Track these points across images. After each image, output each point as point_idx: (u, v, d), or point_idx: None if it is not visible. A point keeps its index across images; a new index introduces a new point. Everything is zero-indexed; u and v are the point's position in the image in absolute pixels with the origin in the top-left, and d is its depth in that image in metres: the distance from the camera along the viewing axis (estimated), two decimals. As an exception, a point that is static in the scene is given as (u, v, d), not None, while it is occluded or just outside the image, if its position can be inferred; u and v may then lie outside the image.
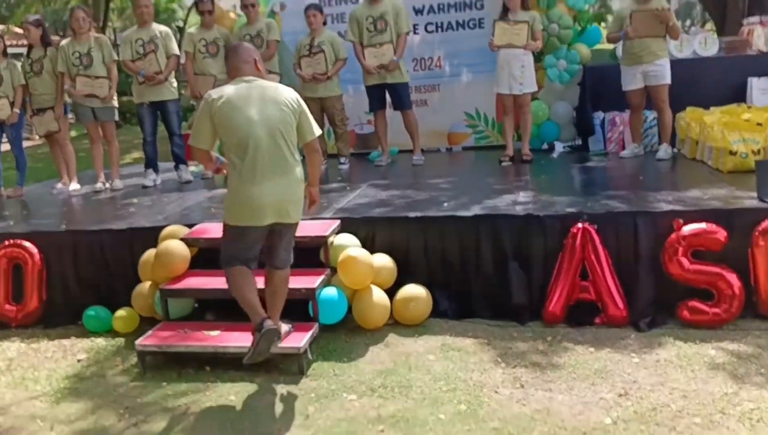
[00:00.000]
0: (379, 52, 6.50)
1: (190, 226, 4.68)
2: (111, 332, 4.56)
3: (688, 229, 4.05)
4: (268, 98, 3.47)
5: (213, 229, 4.60)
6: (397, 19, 6.48)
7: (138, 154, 11.17)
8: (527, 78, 6.26)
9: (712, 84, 6.53)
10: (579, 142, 7.09)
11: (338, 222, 4.49)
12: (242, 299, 3.56)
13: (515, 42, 6.14)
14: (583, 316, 4.18)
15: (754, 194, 4.29)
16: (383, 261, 4.33)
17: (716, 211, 4.12)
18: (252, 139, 3.38)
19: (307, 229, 4.34)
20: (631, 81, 6.01)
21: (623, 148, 6.59)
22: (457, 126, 7.64)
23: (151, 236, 4.65)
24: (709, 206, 4.21)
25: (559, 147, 7.11)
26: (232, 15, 7.40)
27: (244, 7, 6.68)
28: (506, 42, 6.17)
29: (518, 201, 4.72)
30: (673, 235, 4.07)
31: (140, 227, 4.83)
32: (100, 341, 4.48)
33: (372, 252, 4.33)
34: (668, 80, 5.90)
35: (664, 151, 6.02)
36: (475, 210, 4.51)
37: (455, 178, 5.80)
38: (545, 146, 7.15)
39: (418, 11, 7.40)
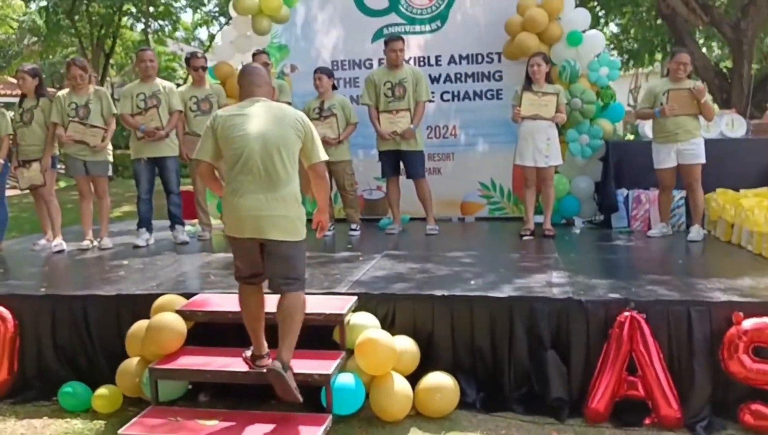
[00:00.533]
0: (395, 119, 6.19)
1: (186, 295, 4.19)
2: (89, 412, 3.99)
3: (750, 323, 3.62)
4: (272, 115, 3.46)
5: (213, 301, 4.11)
6: (417, 87, 6.22)
7: (129, 207, 10.72)
8: (553, 151, 5.96)
9: (739, 166, 6.27)
10: (600, 218, 6.75)
11: (355, 298, 4.02)
12: (244, 321, 3.60)
13: (543, 114, 5.91)
14: (630, 415, 3.69)
15: (816, 285, 3.89)
16: (405, 344, 3.85)
17: (779, 305, 3.71)
18: (246, 152, 3.38)
19: (321, 305, 3.87)
20: (665, 159, 5.72)
21: (648, 226, 6.26)
22: (470, 196, 7.29)
23: (142, 305, 4.15)
24: (769, 297, 3.80)
25: (578, 222, 6.76)
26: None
27: (264, 64, 6.37)
28: (533, 113, 5.92)
29: (552, 282, 4.28)
30: (733, 330, 3.63)
31: (130, 294, 4.33)
32: (77, 423, 3.90)
33: (392, 334, 3.85)
34: (703, 160, 5.61)
35: (697, 232, 5.67)
36: (507, 290, 4.06)
37: (476, 252, 5.38)
38: (563, 221, 6.79)
39: (434, 80, 7.15)
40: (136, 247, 6.07)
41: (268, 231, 3.43)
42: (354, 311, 3.95)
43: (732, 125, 6.43)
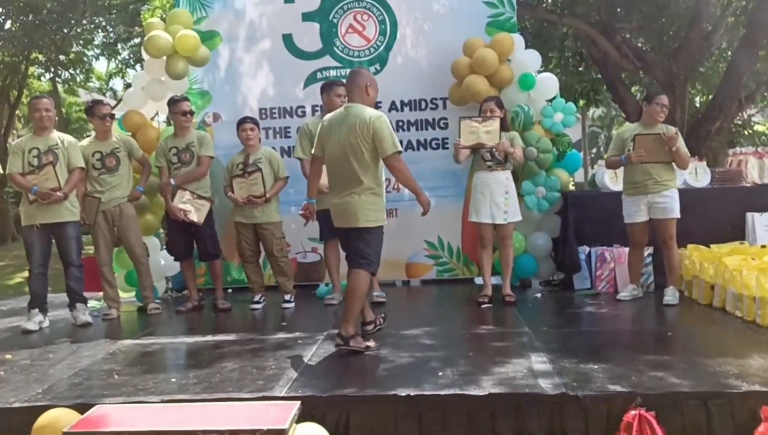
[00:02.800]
0: None
1: (80, 407, 3.23)
2: None
3: (780, 418, 3.00)
4: (347, 123, 4.06)
5: (113, 417, 3.17)
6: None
7: (20, 278, 9.47)
8: (512, 206, 5.34)
9: (706, 218, 5.82)
10: (560, 277, 6.17)
11: (297, 405, 3.16)
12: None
13: (486, 141, 5.25)
14: None
15: (840, 365, 3.34)
16: (365, 464, 3.03)
17: (810, 394, 3.11)
18: (330, 159, 4.17)
19: (256, 417, 3.00)
20: (635, 213, 5.20)
21: (615, 288, 5.71)
22: (416, 256, 6.57)
23: (20, 423, 3.18)
24: (797, 385, 3.20)
25: (537, 285, 6.17)
26: (155, 125, 6.23)
27: (173, 114, 5.53)
28: (474, 141, 5.28)
29: (535, 369, 3.57)
30: (763, 429, 3.00)
31: (4, 408, 3.33)
32: None
33: (347, 448, 3.04)
34: (677, 214, 5.11)
35: (672, 294, 5.14)
36: (487, 385, 3.32)
37: (435, 328, 4.64)
38: (518, 283, 6.16)
39: (374, 128, 6.46)
40: (27, 332, 5.03)
41: (350, 221, 4.14)
42: (298, 421, 3.10)
43: (696, 174, 6.02)
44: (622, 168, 5.39)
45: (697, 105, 15.08)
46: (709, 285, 4.99)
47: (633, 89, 13.42)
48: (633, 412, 3.07)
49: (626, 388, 3.22)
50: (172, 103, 5.51)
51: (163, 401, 3.23)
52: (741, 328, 4.31)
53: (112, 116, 5.53)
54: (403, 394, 3.23)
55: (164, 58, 5.88)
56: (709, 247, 5.53)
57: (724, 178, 6.04)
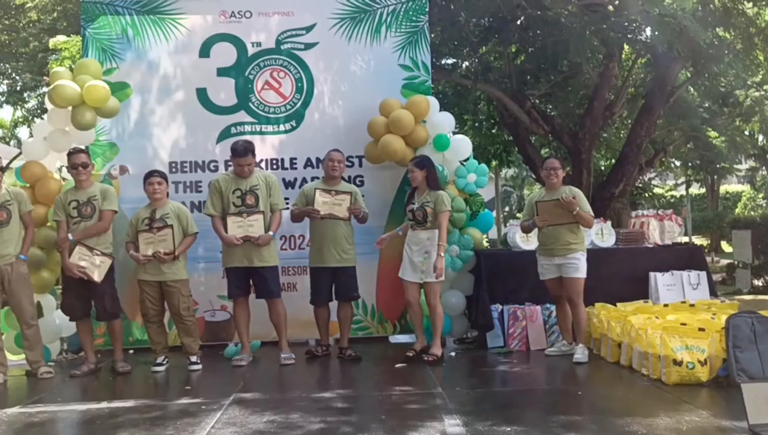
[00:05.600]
0: (247, 222, 5.33)
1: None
2: None
3: (687, 478, 3.03)
4: None
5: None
6: (272, 194, 5.51)
7: None
8: (430, 266, 5.34)
9: (612, 277, 6.01)
10: (473, 335, 6.18)
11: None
12: None
13: (337, 213, 5.53)
14: None
15: (741, 424, 3.42)
16: None
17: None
18: None
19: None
20: (547, 271, 5.39)
21: (527, 346, 5.76)
22: (330, 314, 6.41)
23: None
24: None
25: (450, 342, 6.14)
26: (56, 177, 5.91)
27: (72, 167, 5.26)
28: (328, 211, 5.52)
29: (449, 432, 3.50)
30: (670, 488, 3.02)
31: None
32: None
33: None
34: (583, 274, 5.27)
35: (582, 352, 5.23)
36: (400, 453, 3.21)
37: (347, 391, 4.53)
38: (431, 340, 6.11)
39: (289, 184, 6.38)
40: None
41: None
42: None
43: (602, 234, 6.23)
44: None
45: (602, 168, 15.87)
46: (616, 343, 5.10)
47: (543, 151, 13.96)
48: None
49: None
50: (68, 155, 5.26)
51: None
52: (647, 387, 4.40)
53: (3, 169, 5.22)
54: (312, 466, 3.07)
55: (70, 108, 5.61)
56: (615, 305, 5.68)
57: (628, 239, 6.28)
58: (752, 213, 21.50)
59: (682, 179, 26.36)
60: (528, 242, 6.20)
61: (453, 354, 5.75)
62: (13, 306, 5.14)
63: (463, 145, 6.35)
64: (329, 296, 5.65)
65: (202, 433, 3.57)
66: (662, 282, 5.94)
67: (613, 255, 6.18)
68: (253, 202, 5.37)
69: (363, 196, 6.08)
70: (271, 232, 5.41)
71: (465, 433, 3.47)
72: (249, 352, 5.57)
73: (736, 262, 12.04)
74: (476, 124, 15.48)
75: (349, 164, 6.46)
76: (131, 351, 6.04)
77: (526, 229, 5.65)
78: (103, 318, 5.35)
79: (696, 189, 28.75)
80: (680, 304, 5.58)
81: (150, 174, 5.39)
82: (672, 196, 26.89)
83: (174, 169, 6.27)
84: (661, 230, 6.34)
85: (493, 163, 16.68)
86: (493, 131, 15.15)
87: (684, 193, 26.61)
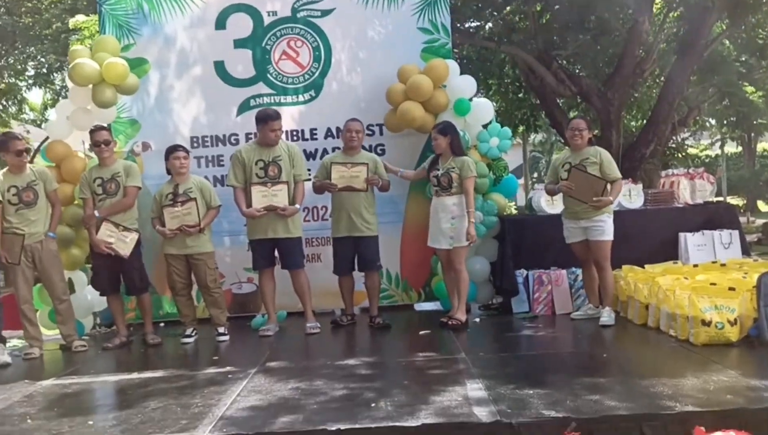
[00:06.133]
0: (271, 192, 5.34)
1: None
2: None
3: (714, 439, 2.99)
4: None
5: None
6: (294, 164, 5.49)
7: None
8: (459, 231, 5.30)
9: (640, 239, 5.91)
10: (498, 302, 6.15)
11: (222, 446, 3.01)
12: None
13: (355, 184, 5.46)
14: None
15: (770, 382, 3.36)
16: (293, 505, 2.88)
17: (741, 412, 3.11)
18: None
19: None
20: (573, 234, 5.32)
21: (552, 310, 5.72)
22: (354, 284, 6.44)
23: None
24: (728, 404, 3.19)
25: (475, 309, 6.12)
26: (81, 155, 5.98)
27: (95, 145, 5.31)
28: (345, 184, 5.46)
29: (470, 396, 3.49)
30: (695, 448, 2.98)
31: None
32: None
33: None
34: (610, 236, 5.18)
35: (608, 315, 5.17)
36: (421, 415, 3.22)
37: (372, 358, 4.54)
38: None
39: (309, 155, 6.35)
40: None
41: None
42: (221, 465, 2.94)
43: (630, 196, 6.11)
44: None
45: (633, 129, 15.52)
46: (643, 305, 5.03)
47: (571, 114, 13.67)
48: (568, 438, 3.01)
49: (561, 412, 3.16)
50: (90, 133, 5.31)
51: (75, 448, 3.01)
52: (675, 348, 4.33)
53: (28, 151, 5.31)
54: (333, 429, 3.10)
55: (90, 86, 5.66)
56: (643, 267, 5.59)
57: (657, 200, 6.15)
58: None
59: (718, 137, 25.74)
60: (553, 206, 6.11)
61: (477, 320, 5.74)
62: (45, 282, 5.26)
63: (484, 109, 6.24)
64: (352, 266, 5.65)
65: (228, 400, 3.62)
66: (692, 242, 5.82)
67: (642, 216, 6.06)
68: (276, 172, 5.37)
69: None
70: (297, 205, 5.42)
71: (487, 397, 3.46)
72: (275, 322, 5.63)
73: (772, 221, 11.76)
74: (502, 89, 15.23)
75: (369, 133, 6.41)
76: (162, 324, 6.16)
77: (551, 192, 5.57)
78: (133, 292, 5.45)
79: (732, 148, 28.04)
80: (710, 264, 5.48)
81: (174, 148, 5.42)
82: (707, 157, 26.25)
83: (195, 144, 6.31)
84: (692, 189, 6.20)
85: (520, 128, 16.43)
86: (520, 95, 14.89)
87: (719, 152, 25.98)
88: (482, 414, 3.19)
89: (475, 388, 3.63)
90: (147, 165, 6.15)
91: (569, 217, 5.31)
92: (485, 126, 6.21)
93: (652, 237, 5.96)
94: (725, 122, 22.94)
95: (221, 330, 5.42)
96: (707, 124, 22.40)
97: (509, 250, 5.94)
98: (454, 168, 5.34)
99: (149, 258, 5.92)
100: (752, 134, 24.68)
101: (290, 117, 6.40)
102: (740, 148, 27.31)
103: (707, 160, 25.67)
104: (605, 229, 5.15)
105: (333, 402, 3.53)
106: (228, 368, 4.38)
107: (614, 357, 4.30)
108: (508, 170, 6.21)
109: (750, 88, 16.73)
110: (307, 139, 6.41)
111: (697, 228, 5.94)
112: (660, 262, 5.69)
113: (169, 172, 5.43)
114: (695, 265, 5.36)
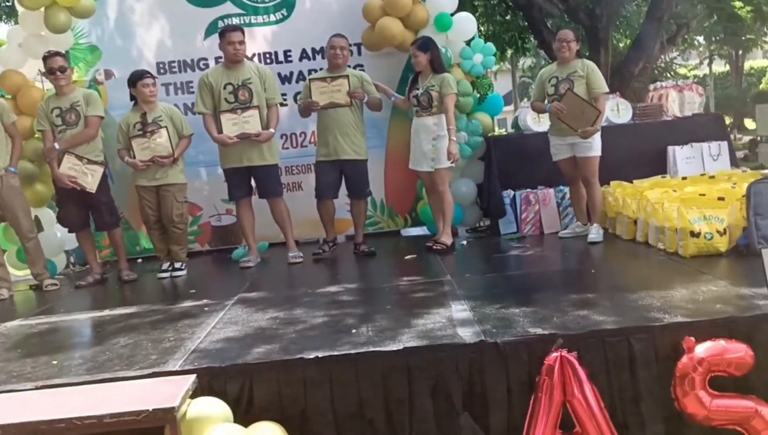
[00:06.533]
0: (242, 119, 5.07)
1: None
2: None
3: (703, 349, 2.86)
4: None
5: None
6: (266, 87, 5.19)
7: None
8: (440, 152, 5.08)
9: (629, 154, 5.74)
10: (486, 224, 6.01)
11: (192, 378, 2.85)
12: None
13: (338, 100, 5.12)
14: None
15: (761, 290, 3.23)
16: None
17: (731, 321, 2.99)
18: None
19: (143, 396, 2.67)
20: (560, 151, 5.15)
21: (541, 230, 5.59)
22: (339, 211, 6.16)
23: None
24: (718, 313, 3.07)
25: (462, 231, 5.98)
26: (39, 85, 5.64)
27: (49, 72, 4.95)
28: (327, 101, 5.12)
29: (455, 318, 3.36)
30: (686, 360, 2.85)
31: None
32: None
33: (250, 421, 2.76)
34: (597, 152, 5.00)
35: (596, 232, 5.03)
36: (403, 339, 3.08)
37: (354, 284, 4.40)
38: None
39: (285, 79, 6.06)
40: None
41: None
42: (192, 397, 2.79)
43: (618, 110, 5.89)
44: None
45: (622, 50, 15.12)
46: (632, 220, 4.89)
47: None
48: (554, 355, 2.88)
49: (548, 330, 3.03)
50: (43, 59, 4.96)
51: (36, 388, 2.86)
52: (663, 261, 4.21)
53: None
54: (311, 357, 2.96)
55: (42, 9, 5.28)
56: (632, 183, 5.43)
57: (645, 114, 5.94)
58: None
59: (706, 56, 25.35)
60: (539, 124, 5.91)
61: (464, 243, 5.60)
62: (10, 220, 5.02)
63: (466, 23, 5.93)
64: (335, 192, 5.39)
65: (203, 333, 3.47)
66: (681, 155, 5.65)
67: (630, 131, 5.87)
68: (246, 96, 5.09)
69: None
70: (271, 129, 5.17)
71: (472, 318, 3.32)
72: (256, 253, 5.47)
73: (758, 137, 11.62)
74: (488, 11, 14.72)
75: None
76: (139, 260, 6.00)
77: (538, 109, 5.34)
78: (102, 228, 5.24)
79: (720, 67, 27.70)
80: (699, 177, 5.33)
81: (141, 74, 5.08)
82: (695, 76, 25.92)
83: (162, 70, 5.99)
84: (680, 102, 5.99)
85: (509, 51, 15.98)
86: (507, 17, 14.43)
87: (707, 71, 25.66)
88: (466, 335, 3.06)
89: (459, 310, 3.49)
90: (112, 94, 5.85)
91: (556, 134, 5.11)
92: (468, 42, 5.92)
93: (640, 152, 5.80)
94: (713, 39, 22.58)
95: (178, 265, 5.24)
96: (696, 42, 22.04)
97: (495, 171, 5.76)
98: (433, 86, 5.08)
99: (122, 192, 5.70)
100: (740, 52, 24.35)
101: (263, 38, 6.09)
102: (728, 67, 27.00)
103: (695, 80, 25.39)
104: (593, 144, 4.96)
105: (312, 330, 3.39)
106: (204, 301, 4.22)
107: (602, 273, 4.18)
108: (493, 88, 5.95)
109: (738, 3, 16.31)
110: (281, 62, 6.10)
111: (685, 141, 5.77)
112: (649, 176, 5.54)
113: (133, 98, 5.14)
114: (684, 178, 5.20)
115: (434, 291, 3.99)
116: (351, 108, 5.16)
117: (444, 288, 4.03)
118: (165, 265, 5.25)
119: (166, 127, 5.06)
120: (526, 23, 13.01)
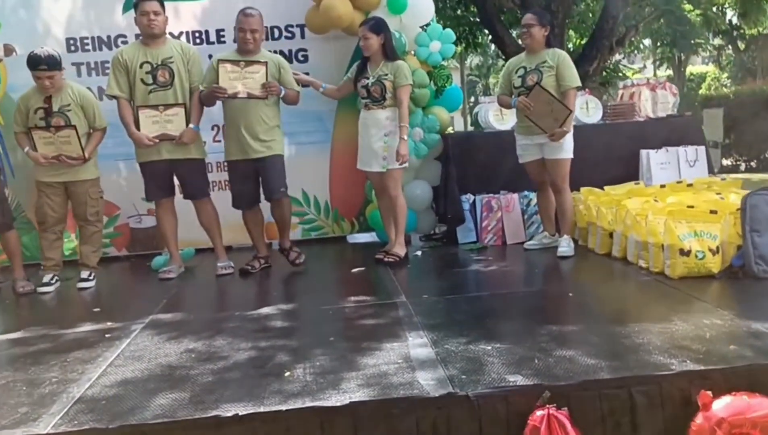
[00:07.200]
0: (163, 117, 4.33)
1: None
2: None
3: (722, 406, 2.31)
4: None
5: None
6: (190, 69, 4.41)
7: None
8: (393, 150, 4.45)
9: (598, 156, 5.23)
10: (441, 230, 5.43)
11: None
12: None
13: (251, 88, 4.26)
14: None
15: (773, 325, 2.73)
16: None
17: (753, 370, 2.45)
18: None
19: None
20: (528, 151, 4.58)
21: (503, 240, 5.03)
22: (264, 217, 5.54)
23: None
24: (735, 358, 2.53)
25: (416, 240, 5.38)
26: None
27: None
28: (238, 90, 4.26)
29: (413, 357, 2.73)
30: (702, 420, 2.31)
31: None
32: None
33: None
34: (569, 154, 4.46)
35: (567, 244, 4.51)
36: (349, 388, 2.43)
37: (290, 305, 3.73)
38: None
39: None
40: None
41: None
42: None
43: (587, 108, 5.37)
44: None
45: (572, 47, 14.86)
46: (607, 232, 4.38)
47: (512, 31, 12.87)
48: (540, 413, 2.30)
49: (530, 378, 2.44)
50: None
51: None
52: (649, 283, 3.68)
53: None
54: (229, 415, 2.28)
55: None
56: (602, 188, 4.92)
57: (616, 113, 5.45)
58: (724, 89, 20.87)
59: (650, 60, 25.59)
60: (503, 121, 5.37)
61: (419, 253, 5.00)
62: None
63: (423, 7, 5.31)
64: (255, 196, 4.57)
65: (95, 372, 2.75)
66: (655, 160, 5.19)
67: (600, 132, 5.36)
68: (167, 78, 4.35)
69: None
70: (192, 126, 4.42)
71: (434, 356, 2.71)
72: (179, 262, 4.73)
73: (708, 142, 11.52)
74: (440, 5, 14.21)
75: (289, 36, 5.43)
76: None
77: (504, 104, 4.74)
78: None
79: (662, 71, 28.06)
80: (677, 185, 4.85)
81: (35, 64, 4.22)
82: (639, 79, 26.14)
83: (73, 47, 5.18)
84: (653, 101, 5.53)
85: (458, 48, 15.52)
86: (458, 12, 13.98)
87: (651, 76, 25.92)
88: (429, 383, 2.43)
89: (418, 344, 2.87)
90: (12, 73, 5.01)
91: (523, 133, 4.54)
92: (424, 27, 5.30)
93: (611, 155, 5.32)
94: (659, 43, 22.77)
95: (85, 275, 4.48)
96: (641, 45, 22.16)
97: (454, 173, 5.18)
98: (387, 75, 4.45)
99: (23, 187, 4.88)
100: (683, 56, 24.68)
101: (191, 15, 5.37)
102: (670, 72, 27.36)
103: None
104: (564, 145, 4.41)
105: (234, 370, 2.70)
106: (108, 324, 3.47)
107: (582, 296, 3.59)
108: (452, 79, 5.35)
109: (688, 6, 16.32)
110: (212, 42, 5.36)
111: (659, 144, 5.30)
112: (620, 182, 5.04)
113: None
114: (662, 186, 4.71)
115: (387, 317, 3.35)
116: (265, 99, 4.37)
117: (398, 313, 3.40)
118: (48, 277, 4.43)
119: (75, 126, 4.27)
120: (478, 18, 12.59)
